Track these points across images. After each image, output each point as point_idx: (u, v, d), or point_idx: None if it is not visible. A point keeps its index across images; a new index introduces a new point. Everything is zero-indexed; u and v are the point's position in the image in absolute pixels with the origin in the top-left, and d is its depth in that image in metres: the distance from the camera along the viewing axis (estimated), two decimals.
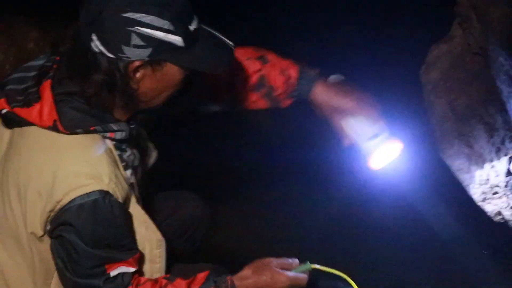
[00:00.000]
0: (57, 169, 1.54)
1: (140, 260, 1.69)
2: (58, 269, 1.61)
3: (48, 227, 1.57)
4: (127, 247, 1.63)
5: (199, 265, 2.09)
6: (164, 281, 1.68)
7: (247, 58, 1.88)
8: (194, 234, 2.28)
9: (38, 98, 1.58)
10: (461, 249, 3.07)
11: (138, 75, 1.57)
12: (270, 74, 1.87)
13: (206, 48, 1.61)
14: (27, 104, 1.58)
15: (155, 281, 1.68)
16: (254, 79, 1.88)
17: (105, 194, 1.53)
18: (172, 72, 1.60)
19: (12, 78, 1.67)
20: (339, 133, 1.89)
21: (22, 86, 1.62)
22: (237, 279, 1.73)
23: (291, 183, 3.42)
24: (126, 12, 1.49)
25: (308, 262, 1.81)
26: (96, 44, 1.52)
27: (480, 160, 2.17)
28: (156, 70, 1.58)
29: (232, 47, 1.66)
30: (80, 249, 1.53)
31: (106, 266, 1.58)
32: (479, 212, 2.33)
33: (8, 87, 1.64)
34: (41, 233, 1.59)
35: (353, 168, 2.15)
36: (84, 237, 1.53)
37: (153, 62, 1.56)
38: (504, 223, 2.26)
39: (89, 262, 1.56)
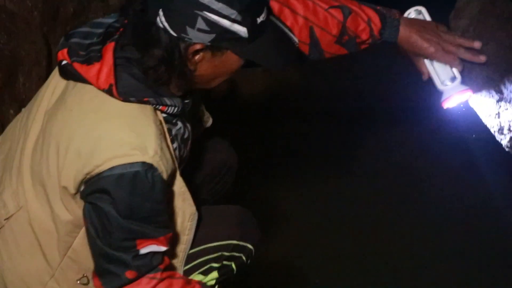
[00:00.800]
0: (103, 133, 1.53)
1: (171, 240, 1.69)
2: (89, 235, 1.60)
3: (82, 188, 1.58)
4: (162, 224, 1.62)
5: (227, 207, 2.12)
6: (198, 286, 1.72)
7: (328, 7, 1.89)
8: (225, 178, 2.29)
9: (100, 57, 1.58)
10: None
11: (196, 57, 1.58)
12: (353, 25, 1.90)
13: (270, 43, 1.60)
14: (88, 61, 1.57)
15: (188, 281, 1.71)
16: (336, 30, 1.89)
17: (148, 167, 1.51)
18: (231, 60, 1.61)
19: (79, 31, 1.66)
20: (419, 70, 2.08)
21: (87, 42, 1.62)
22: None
23: None
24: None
25: None
26: (161, 20, 1.51)
27: (509, 106, 2.16)
28: (216, 55, 1.58)
29: (297, 43, 1.68)
30: (114, 219, 1.52)
31: (137, 242, 1.57)
32: (508, 159, 2.32)
33: (73, 39, 1.64)
34: (73, 191, 1.60)
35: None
36: (119, 207, 1.52)
37: (214, 48, 1.57)
38: None
39: (121, 234, 1.55)
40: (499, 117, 2.22)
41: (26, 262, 1.69)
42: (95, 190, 1.52)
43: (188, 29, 1.51)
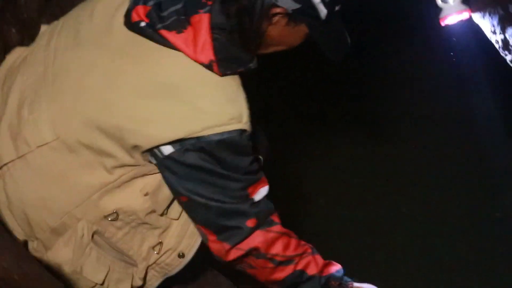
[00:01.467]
0: (201, 103, 1.52)
1: None
2: (195, 203, 1.60)
3: (168, 151, 1.55)
4: (258, 167, 1.67)
5: None
6: (309, 250, 1.76)
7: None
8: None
9: (188, 24, 1.54)
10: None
11: (274, 19, 1.57)
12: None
13: (336, 33, 1.64)
14: (176, 28, 1.53)
15: (301, 243, 1.75)
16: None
17: (243, 131, 1.55)
18: (299, 34, 1.63)
19: None
20: None
21: (169, 8, 1.57)
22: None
23: None
24: None
25: None
26: None
27: None
28: (289, 25, 1.59)
29: (349, 43, 1.69)
30: (224, 177, 1.56)
31: (249, 191, 1.62)
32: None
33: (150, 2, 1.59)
34: (146, 148, 1.57)
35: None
36: (224, 166, 1.55)
37: (292, 17, 1.57)
38: None
39: (235, 186, 1.59)
40: (503, 32, 2.19)
41: (52, 189, 1.64)
42: (198, 150, 1.52)
43: None
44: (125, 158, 1.58)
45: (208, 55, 1.52)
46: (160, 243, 1.71)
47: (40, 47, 1.74)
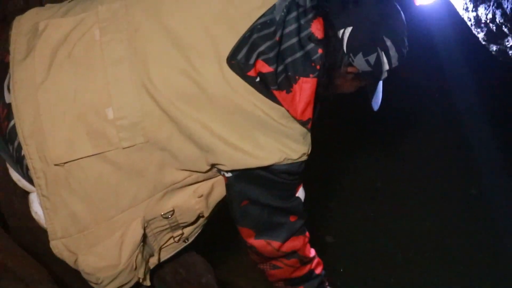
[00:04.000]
0: (290, 144, 1.66)
1: None
2: (253, 206, 1.71)
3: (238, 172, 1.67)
4: None
5: None
6: (314, 256, 1.89)
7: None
8: None
9: (291, 85, 1.62)
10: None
11: (347, 75, 1.71)
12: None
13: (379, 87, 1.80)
14: (285, 88, 1.62)
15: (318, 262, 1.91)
16: None
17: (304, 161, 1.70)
18: (358, 85, 1.77)
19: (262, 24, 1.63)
20: None
21: (280, 68, 1.62)
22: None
23: None
24: (387, 35, 1.63)
25: None
26: (345, 33, 1.63)
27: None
28: (354, 79, 1.73)
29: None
30: (282, 183, 1.69)
31: (296, 189, 1.76)
32: (483, 50, 2.33)
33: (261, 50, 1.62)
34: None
35: None
36: (285, 179, 1.70)
37: (360, 76, 1.71)
38: (506, 62, 2.26)
39: (288, 188, 1.73)
40: (476, 10, 2.20)
41: (125, 184, 1.68)
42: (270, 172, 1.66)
43: (358, 55, 1.64)
44: (202, 167, 1.67)
45: (307, 114, 1.63)
46: (182, 233, 1.81)
47: None
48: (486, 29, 2.22)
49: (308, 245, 1.85)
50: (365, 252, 2.93)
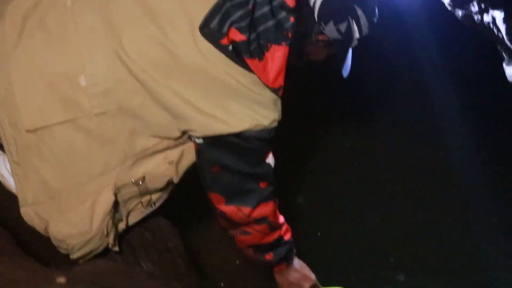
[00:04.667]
0: (262, 111, 1.70)
1: None
2: (224, 172, 1.74)
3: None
4: None
5: None
6: (283, 222, 1.94)
7: None
8: None
9: (264, 53, 1.64)
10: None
11: (317, 42, 1.75)
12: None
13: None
14: (258, 56, 1.64)
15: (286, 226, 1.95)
16: None
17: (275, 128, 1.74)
18: (328, 53, 1.81)
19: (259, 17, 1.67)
20: None
21: (252, 37, 1.64)
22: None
23: None
24: (358, 4, 1.66)
25: None
26: (316, 1, 1.67)
27: None
28: (326, 47, 1.77)
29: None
30: (252, 149, 1.73)
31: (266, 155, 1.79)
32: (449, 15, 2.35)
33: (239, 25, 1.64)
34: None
35: None
36: (254, 145, 1.74)
37: (330, 44, 1.75)
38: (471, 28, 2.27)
39: (259, 155, 1.77)
40: None
41: (98, 151, 1.71)
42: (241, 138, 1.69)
43: (329, 24, 1.67)
44: (174, 134, 1.71)
45: (279, 82, 1.67)
46: (150, 198, 1.84)
47: None
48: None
49: (277, 212, 1.90)
50: (338, 214, 2.99)
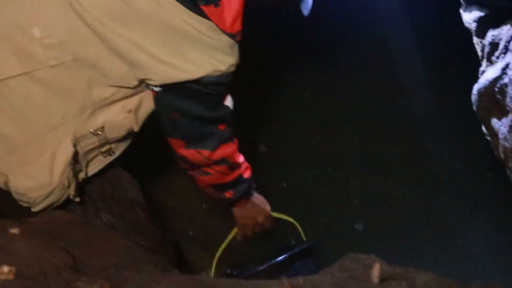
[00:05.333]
0: (218, 56, 1.68)
1: None
2: (183, 117, 1.74)
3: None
4: None
5: None
6: (243, 161, 1.97)
7: None
8: None
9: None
10: None
11: None
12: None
13: None
14: (212, 2, 1.61)
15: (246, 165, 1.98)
16: None
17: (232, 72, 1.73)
18: None
19: None
20: None
21: None
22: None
23: None
24: None
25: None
26: None
27: None
28: None
29: None
30: (210, 94, 1.72)
31: (224, 98, 1.79)
32: None
33: None
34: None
35: None
36: (212, 89, 1.72)
37: None
38: None
39: (217, 99, 1.77)
40: None
41: (55, 102, 1.70)
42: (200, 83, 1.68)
43: None
44: (131, 83, 1.69)
45: (236, 26, 1.64)
46: (109, 148, 1.84)
47: None
48: None
49: (236, 151, 1.92)
50: (300, 160, 3.03)
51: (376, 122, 3.23)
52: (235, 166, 1.94)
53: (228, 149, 1.87)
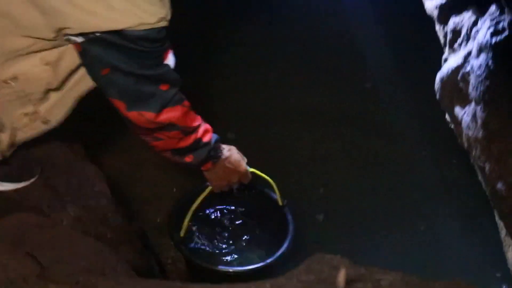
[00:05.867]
0: (140, 2, 1.59)
1: None
2: (116, 74, 1.65)
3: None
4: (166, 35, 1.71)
5: None
6: (201, 119, 1.88)
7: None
8: None
9: None
10: None
11: None
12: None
13: None
14: None
15: (195, 114, 1.86)
16: None
17: (165, 27, 1.64)
18: None
19: None
20: None
21: None
22: (224, 148, 2.03)
23: None
24: None
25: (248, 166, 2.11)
26: None
27: None
28: None
29: None
30: (143, 51, 1.63)
31: (163, 56, 1.69)
32: None
33: None
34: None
35: None
36: (143, 46, 1.63)
37: None
38: None
39: (152, 56, 1.66)
40: None
41: None
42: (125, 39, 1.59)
43: None
44: (47, 34, 1.60)
45: None
46: (35, 112, 1.76)
47: None
48: None
49: (189, 115, 1.84)
50: (268, 147, 3.04)
51: (341, 108, 3.25)
52: (189, 130, 1.86)
53: (175, 113, 1.78)
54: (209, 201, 2.25)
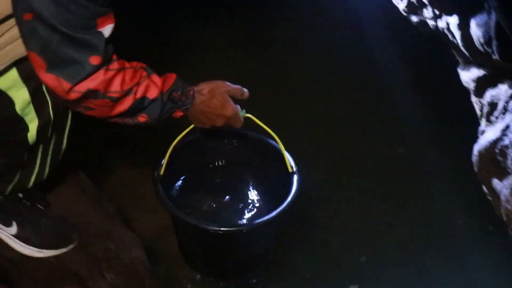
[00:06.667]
0: None
1: None
2: (40, 23, 1.49)
3: None
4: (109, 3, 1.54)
5: None
6: (144, 73, 1.70)
7: None
8: None
9: None
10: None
11: None
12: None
13: None
14: None
15: (136, 69, 1.69)
16: None
17: None
18: None
19: None
20: None
21: None
22: (196, 92, 1.81)
23: None
24: None
25: (244, 110, 1.91)
26: None
27: None
28: None
29: None
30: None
31: (98, 22, 1.53)
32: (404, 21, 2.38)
33: None
34: None
35: None
36: None
37: None
38: (425, 33, 2.32)
39: (84, 11, 1.50)
40: None
41: None
42: None
43: None
44: None
45: None
46: None
47: None
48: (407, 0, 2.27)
49: (116, 78, 1.64)
50: None
51: (374, 171, 3.26)
52: (122, 95, 1.66)
53: (95, 82, 1.60)
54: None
